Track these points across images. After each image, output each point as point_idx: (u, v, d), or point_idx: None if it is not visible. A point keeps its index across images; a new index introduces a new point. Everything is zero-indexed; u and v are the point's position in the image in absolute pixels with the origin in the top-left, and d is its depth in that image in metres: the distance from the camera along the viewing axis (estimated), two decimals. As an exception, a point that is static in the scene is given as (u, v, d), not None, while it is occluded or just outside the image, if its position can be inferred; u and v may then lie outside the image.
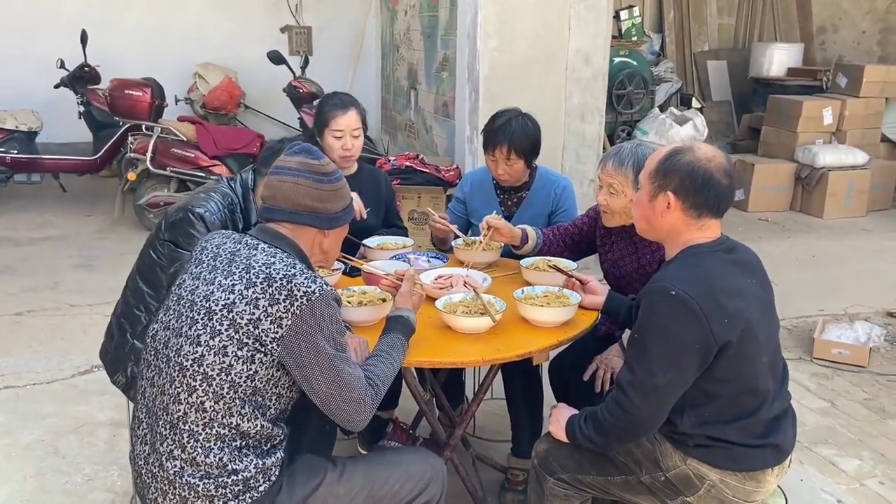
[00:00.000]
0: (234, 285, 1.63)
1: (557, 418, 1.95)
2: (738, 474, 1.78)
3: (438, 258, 2.69)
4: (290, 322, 1.60)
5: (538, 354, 2.10)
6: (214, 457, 1.61)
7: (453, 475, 2.27)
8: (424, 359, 2.02)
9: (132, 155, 5.64)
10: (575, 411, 1.95)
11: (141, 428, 1.72)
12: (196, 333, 1.62)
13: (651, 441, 1.83)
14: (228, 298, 1.62)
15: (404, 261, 2.59)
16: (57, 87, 6.29)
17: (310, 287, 1.62)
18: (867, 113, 6.87)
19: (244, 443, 1.64)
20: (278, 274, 1.62)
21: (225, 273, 1.66)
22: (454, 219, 2.95)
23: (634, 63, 6.51)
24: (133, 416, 1.79)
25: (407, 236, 2.96)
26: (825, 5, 8.30)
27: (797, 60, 7.74)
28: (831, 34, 8.41)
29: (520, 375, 2.59)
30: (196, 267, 1.74)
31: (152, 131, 5.64)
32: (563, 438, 1.92)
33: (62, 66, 6.20)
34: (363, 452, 2.75)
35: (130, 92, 5.88)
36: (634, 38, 6.77)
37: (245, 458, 1.63)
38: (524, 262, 2.54)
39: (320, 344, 1.62)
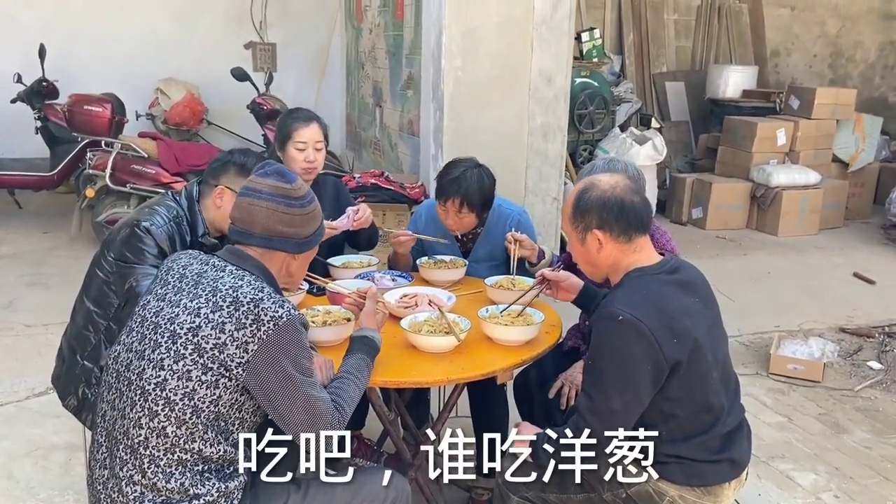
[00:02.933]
0: (199, 308, 1.61)
1: (521, 437, 1.96)
2: (696, 490, 1.82)
3: (403, 277, 2.70)
4: (256, 347, 1.58)
5: (502, 373, 2.12)
6: (175, 482, 1.58)
7: (418, 494, 2.27)
8: (389, 379, 2.02)
9: (91, 171, 5.53)
10: (538, 429, 1.96)
11: (100, 452, 1.68)
12: (159, 357, 1.60)
13: (613, 458, 1.86)
14: (194, 322, 1.59)
15: (369, 279, 2.60)
16: (13, 101, 6.16)
17: (277, 312, 1.60)
18: (819, 134, 7.08)
19: (206, 467, 1.61)
20: (245, 298, 1.60)
21: (191, 295, 1.63)
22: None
23: (595, 83, 6.63)
24: (92, 439, 1.74)
25: (376, 236, 2.97)
26: (778, 30, 8.58)
27: (752, 82, 7.96)
28: (784, 57, 8.68)
29: (484, 394, 2.60)
30: (161, 288, 1.71)
31: (112, 147, 5.54)
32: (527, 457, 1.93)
33: (19, 80, 6.08)
34: (328, 470, 2.72)
35: (90, 107, 5.78)
36: (595, 60, 6.89)
37: (207, 482, 1.61)
38: (488, 280, 2.57)
39: (287, 369, 1.60)
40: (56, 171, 6.03)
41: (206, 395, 1.58)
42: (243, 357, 1.58)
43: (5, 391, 3.45)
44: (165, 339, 1.61)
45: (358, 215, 2.77)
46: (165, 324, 1.62)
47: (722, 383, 1.85)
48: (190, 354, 1.58)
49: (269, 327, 1.58)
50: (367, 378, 1.88)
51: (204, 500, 1.60)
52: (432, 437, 2.35)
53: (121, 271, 2.16)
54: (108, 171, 5.42)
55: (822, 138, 7.12)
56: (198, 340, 1.58)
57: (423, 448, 2.36)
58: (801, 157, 6.97)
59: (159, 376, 1.59)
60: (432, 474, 2.26)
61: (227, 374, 1.59)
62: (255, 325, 1.58)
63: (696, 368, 1.76)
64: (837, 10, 8.71)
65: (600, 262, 1.89)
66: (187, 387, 1.58)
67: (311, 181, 2.87)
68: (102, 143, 5.64)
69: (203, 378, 1.58)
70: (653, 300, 1.76)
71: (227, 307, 1.59)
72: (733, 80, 7.84)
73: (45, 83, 6.15)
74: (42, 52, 6.07)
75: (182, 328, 1.60)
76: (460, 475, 2.76)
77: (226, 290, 1.62)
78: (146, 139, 5.77)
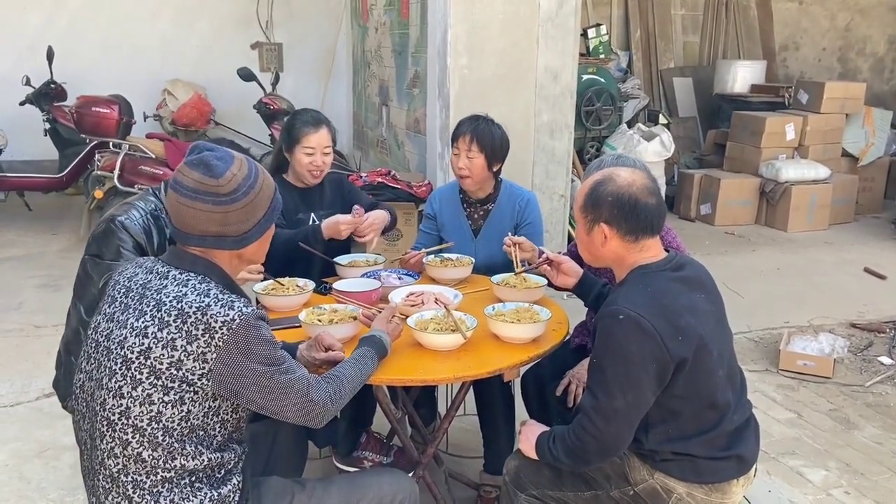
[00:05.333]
0: (146, 328, 1.52)
1: (527, 436, 1.96)
2: (704, 486, 1.81)
3: (410, 275, 2.70)
4: (215, 355, 1.51)
5: (509, 371, 2.11)
6: (165, 500, 1.54)
7: (426, 493, 2.27)
8: (396, 377, 2.02)
9: (99, 172, 5.57)
10: (544, 428, 1.96)
11: (88, 478, 1.66)
12: (117, 385, 1.53)
13: (620, 456, 1.85)
14: (143, 343, 1.51)
15: (375, 278, 2.60)
16: (22, 104, 6.21)
17: (227, 315, 1.51)
18: (828, 128, 7.04)
19: (194, 478, 1.57)
20: (191, 308, 1.51)
21: (136, 313, 1.55)
22: (426, 238, 2.99)
23: (602, 80, 6.61)
24: (81, 464, 1.71)
25: (395, 219, 3.01)
26: (786, 24, 8.52)
27: (760, 77, 7.91)
28: (793, 52, 8.63)
29: (491, 391, 2.60)
30: (109, 306, 1.62)
31: (120, 148, 5.58)
32: (533, 456, 1.93)
33: (28, 83, 6.13)
34: (339, 465, 2.74)
35: (98, 109, 5.82)
36: (602, 56, 6.87)
37: (199, 493, 1.57)
38: (495, 278, 2.56)
39: (253, 368, 1.54)
40: (65, 172, 6.08)
41: (174, 414, 1.52)
42: (204, 367, 1.51)
43: (16, 392, 3.47)
44: (119, 365, 1.53)
45: (369, 221, 2.79)
46: (116, 348, 1.54)
47: (728, 380, 1.84)
48: (147, 378, 1.51)
49: (222, 333, 1.50)
50: (370, 367, 1.86)
51: None
52: (440, 435, 2.36)
53: (97, 268, 2.15)
54: (117, 172, 5.46)
55: (831, 133, 7.07)
56: (151, 363, 1.50)
57: (430, 447, 2.36)
58: (811, 152, 6.92)
59: (121, 405, 1.52)
60: (440, 472, 2.26)
61: (192, 389, 1.52)
62: (207, 335, 1.50)
63: (701, 366, 1.75)
64: (846, 3, 8.64)
65: (601, 255, 1.88)
66: (151, 411, 1.51)
67: (317, 183, 2.90)
68: (110, 144, 5.68)
69: (166, 399, 1.51)
70: (657, 298, 1.75)
71: (174, 322, 1.50)
72: (741, 75, 7.80)
73: (53, 85, 6.19)
74: (50, 55, 6.11)
75: (132, 352, 1.51)
76: (468, 473, 2.78)
77: (170, 302, 1.52)
78: (154, 140, 5.80)
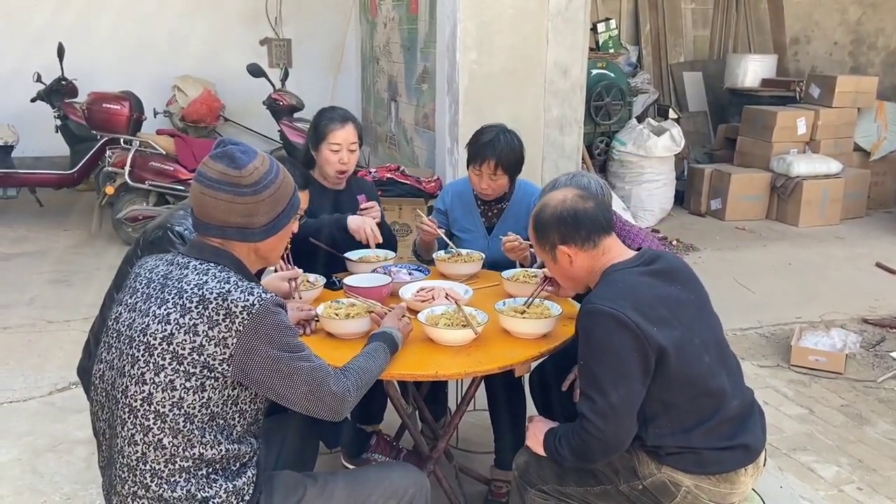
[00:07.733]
0: (168, 314, 1.56)
1: (534, 432, 1.97)
2: (711, 478, 1.82)
3: (420, 270, 2.70)
4: (235, 340, 1.54)
5: (520, 366, 2.11)
6: (181, 489, 1.56)
7: (436, 488, 2.27)
8: (407, 372, 2.02)
9: (110, 168, 5.60)
10: (552, 424, 1.97)
11: (105, 469, 1.68)
12: (139, 372, 1.56)
13: (628, 451, 1.86)
14: (165, 330, 1.55)
15: (385, 273, 2.60)
16: (33, 100, 6.25)
17: (248, 300, 1.55)
18: (840, 123, 6.99)
19: (211, 469, 1.59)
20: (212, 294, 1.55)
21: (158, 302, 1.58)
22: None
23: (612, 75, 6.58)
24: (98, 454, 1.73)
25: (395, 245, 2.97)
26: (798, 17, 8.46)
27: (771, 71, 7.86)
28: (804, 45, 8.56)
29: (502, 387, 2.60)
30: (130, 297, 1.65)
31: (130, 145, 5.60)
32: (541, 452, 1.94)
33: (39, 79, 6.16)
34: (347, 466, 2.74)
35: (108, 105, 5.84)
36: (611, 51, 6.85)
37: (214, 484, 1.59)
38: (505, 273, 2.56)
39: (272, 353, 1.57)
40: (76, 168, 6.10)
41: (195, 400, 1.55)
42: (225, 353, 1.54)
43: (28, 387, 3.50)
44: (141, 352, 1.56)
45: (367, 208, 2.80)
46: (138, 336, 1.57)
47: (720, 365, 1.86)
48: (169, 364, 1.54)
49: (243, 318, 1.54)
50: (383, 361, 1.87)
51: (213, 502, 1.58)
52: (450, 430, 2.36)
53: None
54: (127, 168, 5.49)
55: (843, 127, 7.02)
56: (174, 349, 1.54)
57: (440, 442, 2.37)
58: (822, 147, 6.88)
59: (143, 391, 1.55)
60: (450, 467, 2.26)
61: (212, 375, 1.55)
62: (228, 320, 1.53)
63: (684, 354, 1.78)
64: (858, -4, 8.58)
65: (577, 274, 1.96)
66: (174, 396, 1.54)
67: (343, 181, 2.89)
68: (121, 140, 5.70)
69: (187, 385, 1.54)
70: (628, 291, 1.80)
71: (196, 308, 1.54)
72: (752, 69, 7.75)
73: (64, 82, 6.22)
74: (61, 52, 6.13)
75: (155, 338, 1.55)
76: (478, 468, 2.78)
77: (191, 289, 1.56)
78: (164, 136, 5.82)
